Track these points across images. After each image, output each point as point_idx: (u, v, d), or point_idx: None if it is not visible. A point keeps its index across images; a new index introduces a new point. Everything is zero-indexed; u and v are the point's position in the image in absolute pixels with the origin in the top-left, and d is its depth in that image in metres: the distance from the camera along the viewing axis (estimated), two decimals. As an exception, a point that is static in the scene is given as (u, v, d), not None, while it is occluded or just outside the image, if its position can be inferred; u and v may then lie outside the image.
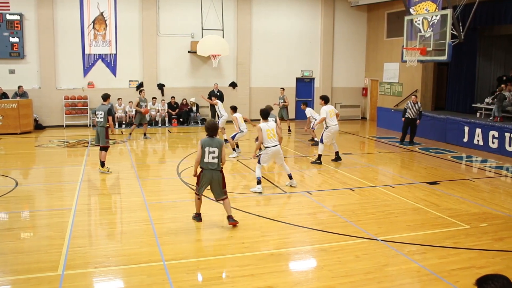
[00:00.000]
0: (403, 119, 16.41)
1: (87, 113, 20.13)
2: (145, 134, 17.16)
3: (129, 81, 20.69)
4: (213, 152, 7.53)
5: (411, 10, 16.94)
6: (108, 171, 11.58)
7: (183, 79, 21.24)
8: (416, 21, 16.49)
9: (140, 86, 20.65)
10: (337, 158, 13.04)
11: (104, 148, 11.61)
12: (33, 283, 5.74)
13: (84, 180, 10.94)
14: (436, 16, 15.48)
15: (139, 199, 9.43)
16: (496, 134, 14.76)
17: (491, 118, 15.94)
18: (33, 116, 18.98)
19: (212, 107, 20.03)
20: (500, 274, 3.03)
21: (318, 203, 9.23)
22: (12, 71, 19.20)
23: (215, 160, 7.53)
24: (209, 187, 7.75)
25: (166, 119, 20.68)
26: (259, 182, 9.89)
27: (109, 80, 20.35)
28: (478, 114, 17.35)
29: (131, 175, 11.50)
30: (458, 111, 18.64)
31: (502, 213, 8.75)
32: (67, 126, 19.91)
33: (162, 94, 20.93)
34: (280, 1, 22.30)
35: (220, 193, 7.72)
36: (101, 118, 11.55)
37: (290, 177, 10.32)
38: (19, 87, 18.66)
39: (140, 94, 17.32)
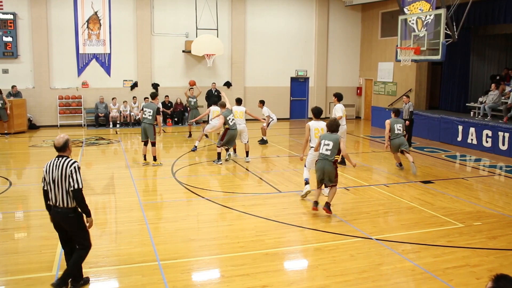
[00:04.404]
0: None
1: (81, 113, 20.07)
2: (190, 134, 17.51)
3: (123, 80, 20.63)
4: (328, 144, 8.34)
5: (405, 9, 16.99)
6: (160, 163, 12.41)
7: (177, 79, 21.20)
8: (410, 21, 16.54)
9: (134, 85, 20.61)
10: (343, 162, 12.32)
11: (153, 144, 12.24)
12: (27, 283, 5.72)
13: (78, 180, 10.87)
14: (430, 15, 15.53)
15: (134, 199, 9.41)
16: (489, 133, 14.84)
17: (485, 117, 16.00)
18: (27, 116, 18.91)
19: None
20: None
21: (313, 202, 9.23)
22: (5, 71, 19.09)
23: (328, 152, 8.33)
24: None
25: (161, 118, 20.60)
26: (306, 183, 9.54)
27: (103, 80, 20.28)
28: (471, 113, 17.43)
29: (125, 175, 11.47)
30: (452, 110, 18.71)
31: (495, 211, 8.80)
32: (61, 126, 19.82)
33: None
34: (274, 1, 22.29)
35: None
36: (149, 115, 12.07)
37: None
38: (13, 86, 18.55)
39: (189, 92, 17.44)
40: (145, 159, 12.50)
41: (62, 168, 5.28)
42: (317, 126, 9.35)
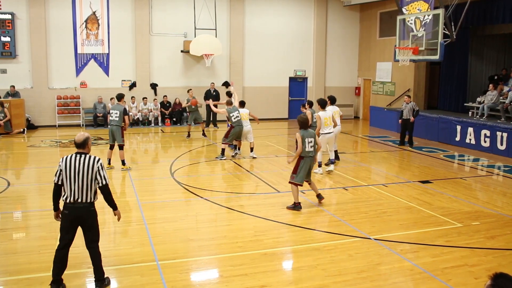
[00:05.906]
0: (400, 121, 15.86)
1: (79, 113, 20.05)
2: (204, 133, 17.49)
3: (122, 80, 20.61)
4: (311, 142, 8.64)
5: (403, 9, 17.01)
6: (129, 168, 11.95)
7: (176, 79, 21.19)
8: (408, 21, 16.56)
9: (133, 85, 20.60)
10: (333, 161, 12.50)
11: (121, 147, 11.85)
12: (25, 283, 5.71)
13: (76, 180, 10.86)
14: (428, 15, 15.56)
15: (132, 199, 9.41)
16: (488, 133, 14.85)
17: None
18: (25, 116, 18.89)
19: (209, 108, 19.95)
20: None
21: (312, 202, 9.25)
22: (3, 71, 19.06)
23: (312, 149, 8.68)
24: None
25: (159, 118, 20.64)
26: (319, 165, 11.49)
27: (101, 80, 20.26)
28: (470, 113, 17.45)
29: (124, 175, 11.46)
30: (450, 110, 18.74)
31: (494, 211, 8.81)
32: (60, 126, 19.80)
33: (155, 94, 20.89)
34: (273, 1, 22.29)
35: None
36: (116, 117, 11.71)
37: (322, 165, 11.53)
38: (11, 86, 18.54)
39: (188, 94, 17.80)
40: (109, 163, 11.95)
41: (89, 164, 5.43)
42: (326, 116, 10.88)
